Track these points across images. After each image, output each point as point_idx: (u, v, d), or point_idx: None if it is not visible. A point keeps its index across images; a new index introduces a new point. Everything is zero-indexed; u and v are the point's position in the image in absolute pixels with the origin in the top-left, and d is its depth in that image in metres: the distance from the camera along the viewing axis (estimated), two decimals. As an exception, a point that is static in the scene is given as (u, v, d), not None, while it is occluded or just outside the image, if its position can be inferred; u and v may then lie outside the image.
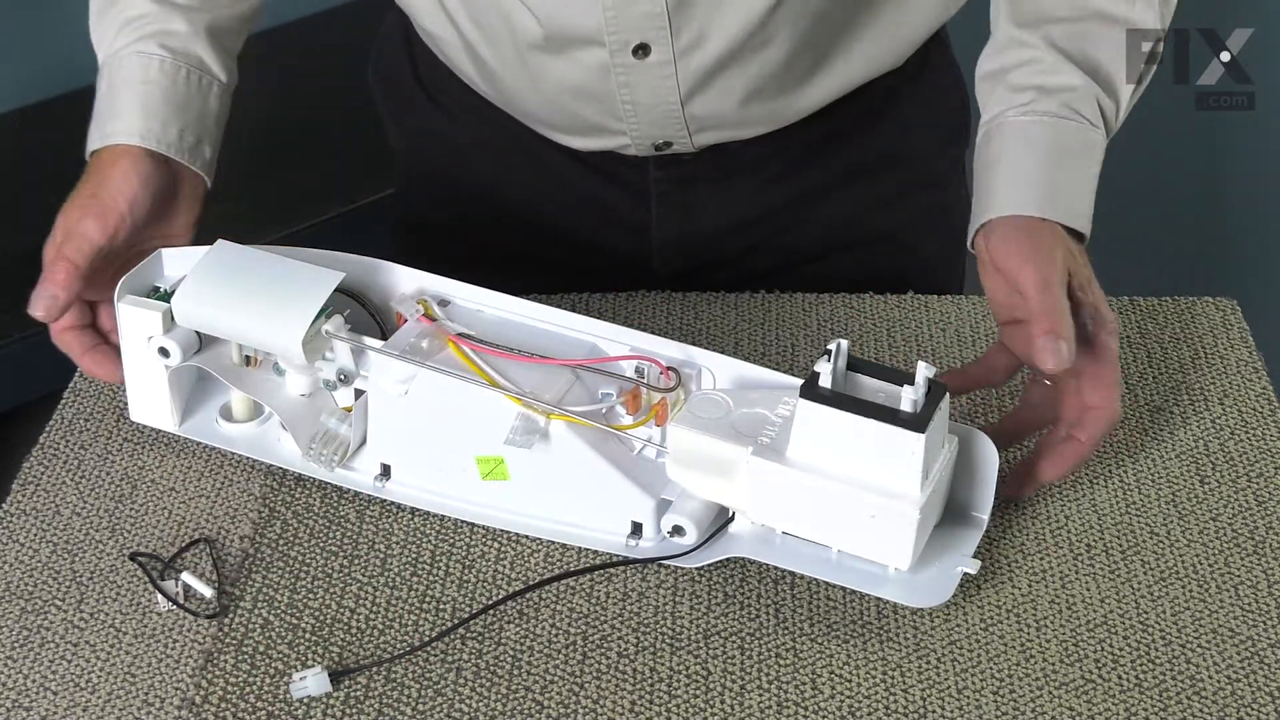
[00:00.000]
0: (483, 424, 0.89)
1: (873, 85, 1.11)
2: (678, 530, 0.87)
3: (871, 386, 0.84)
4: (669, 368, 0.89)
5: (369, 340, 0.91)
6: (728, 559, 0.89)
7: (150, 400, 0.96)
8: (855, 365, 0.84)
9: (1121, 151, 1.04)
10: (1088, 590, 0.88)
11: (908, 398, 0.81)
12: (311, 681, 0.82)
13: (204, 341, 0.94)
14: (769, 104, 1.08)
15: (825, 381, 0.83)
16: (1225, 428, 0.99)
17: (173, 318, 0.93)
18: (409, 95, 1.22)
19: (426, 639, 0.85)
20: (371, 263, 0.96)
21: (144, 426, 0.99)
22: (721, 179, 1.14)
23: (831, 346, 0.83)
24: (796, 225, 1.17)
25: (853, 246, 1.19)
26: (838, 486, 0.83)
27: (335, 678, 0.83)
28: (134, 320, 0.94)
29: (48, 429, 1.00)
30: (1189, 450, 0.98)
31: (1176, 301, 1.10)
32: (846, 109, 1.11)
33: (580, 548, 0.90)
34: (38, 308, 0.95)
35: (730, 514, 0.88)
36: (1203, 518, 0.93)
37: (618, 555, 0.89)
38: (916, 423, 0.81)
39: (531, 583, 0.88)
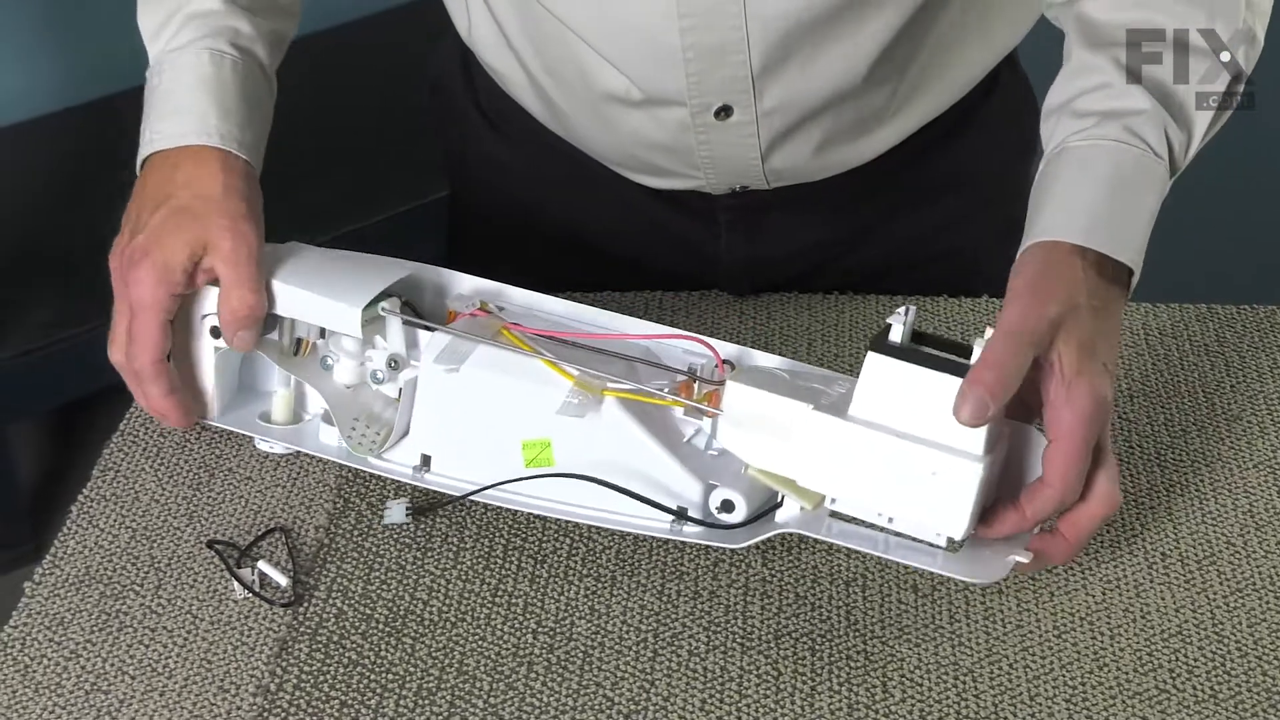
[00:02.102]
0: (533, 403, 0.88)
1: (945, 112, 1.11)
2: (727, 505, 0.86)
3: (937, 353, 0.84)
4: (725, 361, 0.89)
5: (426, 321, 0.92)
6: (777, 542, 0.89)
7: (192, 389, 0.96)
8: (920, 338, 0.84)
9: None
10: (1162, 599, 0.88)
11: (978, 352, 0.81)
12: (396, 510, 0.92)
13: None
14: (846, 150, 1.08)
15: (895, 337, 0.83)
16: (1304, 438, 0.98)
17: None
18: (467, 119, 1.20)
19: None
20: (428, 268, 0.97)
21: (222, 416, 1.00)
22: (792, 207, 1.13)
23: (901, 309, 0.83)
24: (865, 245, 1.17)
25: (920, 264, 1.18)
26: (900, 443, 0.82)
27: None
28: (192, 298, 0.95)
29: (128, 416, 1.01)
30: (1266, 460, 0.97)
31: (1255, 310, 1.09)
32: (919, 135, 1.11)
33: (650, 540, 0.91)
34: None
35: (779, 498, 0.88)
36: (1280, 529, 0.92)
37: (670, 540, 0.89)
38: None
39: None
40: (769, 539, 0.88)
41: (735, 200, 1.12)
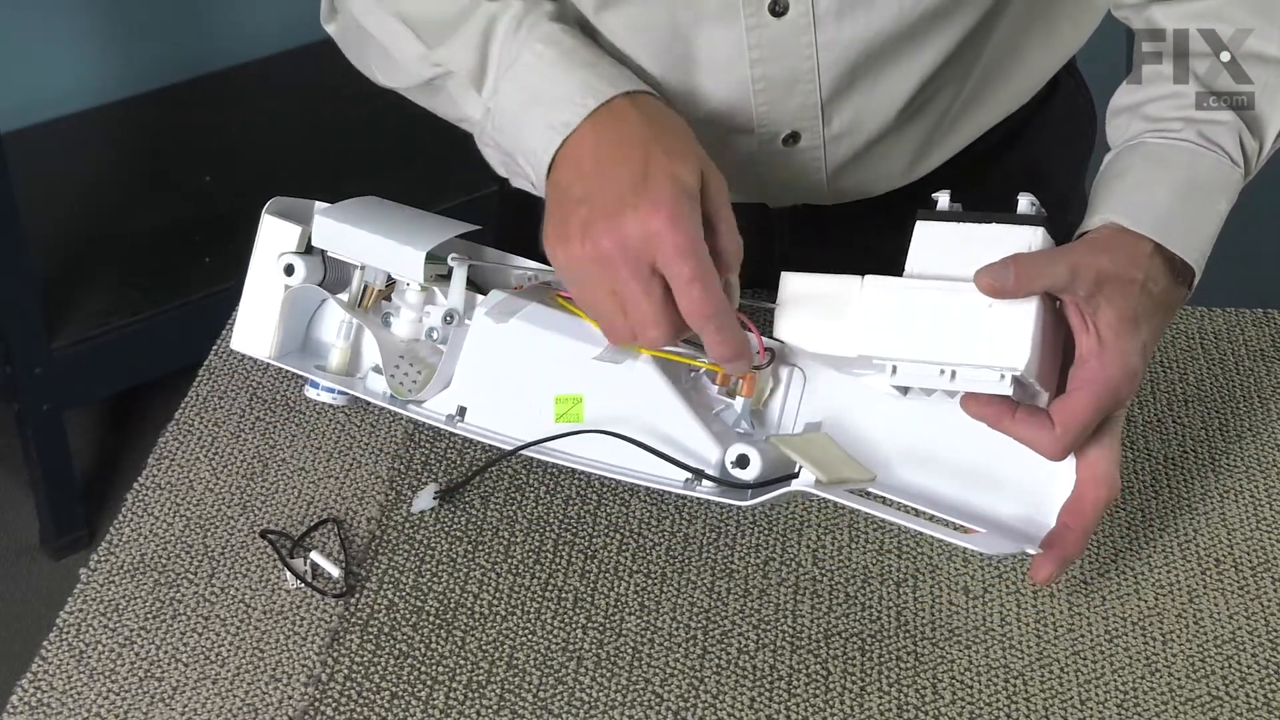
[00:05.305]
0: (572, 356, 0.90)
1: (1006, 119, 1.10)
2: (741, 461, 0.87)
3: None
4: (767, 347, 0.90)
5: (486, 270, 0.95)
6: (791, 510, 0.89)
7: (255, 327, 0.98)
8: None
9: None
10: (1216, 605, 0.87)
11: (1024, 202, 0.86)
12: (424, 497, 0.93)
13: (327, 282, 0.97)
14: (908, 165, 1.07)
15: (943, 206, 0.87)
16: (1362, 446, 0.97)
17: (309, 244, 0.96)
18: None
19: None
20: (491, 250, 0.98)
21: (275, 408, 1.01)
22: (851, 218, 1.12)
23: (945, 191, 0.88)
24: None
25: None
26: (956, 284, 0.84)
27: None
28: (273, 234, 0.97)
29: (183, 405, 1.02)
30: (1323, 467, 0.96)
31: (1313, 315, 1.08)
32: (978, 143, 1.10)
33: (700, 538, 0.91)
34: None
35: (796, 468, 0.87)
36: (1336, 537, 0.91)
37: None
38: (1035, 219, 0.85)
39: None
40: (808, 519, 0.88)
41: (793, 213, 1.11)
